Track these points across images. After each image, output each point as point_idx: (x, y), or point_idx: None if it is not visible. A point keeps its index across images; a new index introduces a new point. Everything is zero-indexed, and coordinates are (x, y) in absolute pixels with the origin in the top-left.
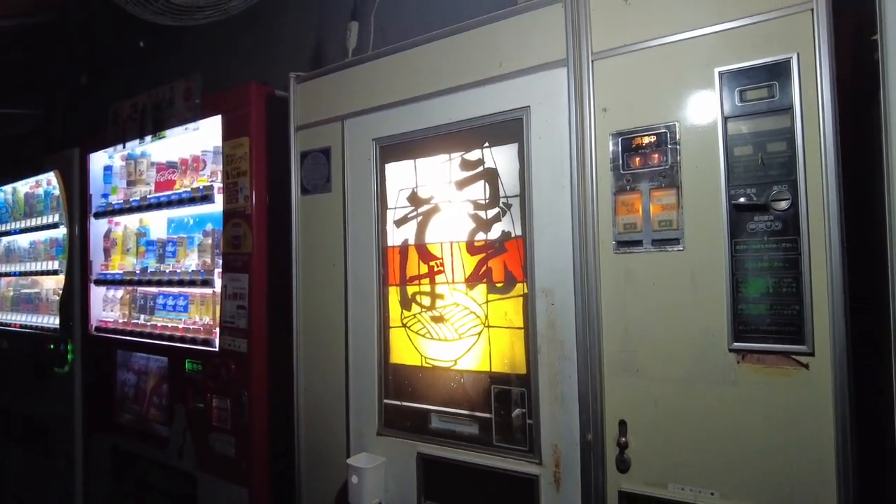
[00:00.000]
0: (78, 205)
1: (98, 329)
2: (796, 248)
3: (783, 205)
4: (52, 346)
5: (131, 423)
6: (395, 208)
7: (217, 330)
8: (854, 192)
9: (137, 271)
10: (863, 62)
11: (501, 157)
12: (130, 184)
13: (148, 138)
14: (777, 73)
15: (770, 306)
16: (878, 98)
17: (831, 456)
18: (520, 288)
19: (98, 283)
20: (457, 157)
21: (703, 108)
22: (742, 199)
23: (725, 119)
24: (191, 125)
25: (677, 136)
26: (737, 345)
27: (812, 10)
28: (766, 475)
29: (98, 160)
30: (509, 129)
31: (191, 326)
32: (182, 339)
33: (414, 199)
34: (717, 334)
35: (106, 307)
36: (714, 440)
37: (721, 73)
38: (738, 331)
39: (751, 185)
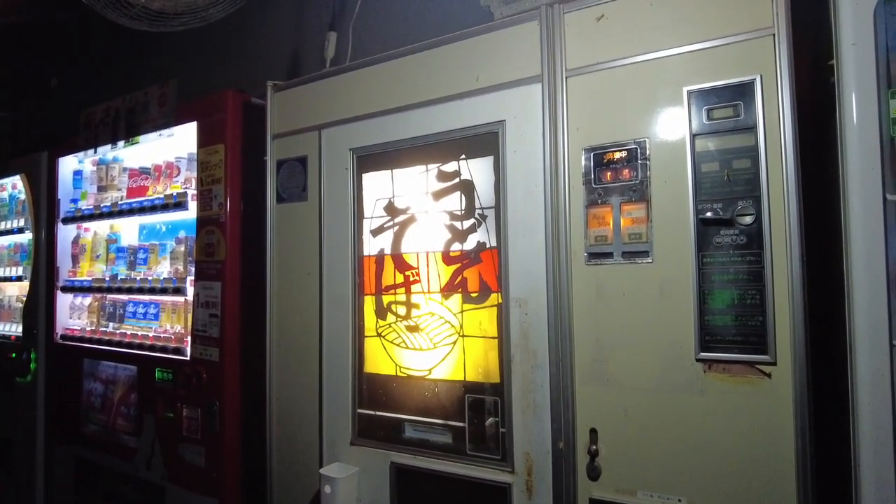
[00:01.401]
0: (45, 209)
1: (64, 337)
2: (760, 261)
3: (748, 219)
4: (13, 355)
5: (97, 434)
6: (372, 218)
7: (188, 338)
8: (815, 207)
9: (107, 278)
10: (821, 84)
11: (477, 170)
12: (101, 189)
13: (120, 143)
14: (742, 93)
15: (735, 317)
16: (836, 118)
17: (792, 461)
18: (494, 298)
19: (65, 289)
20: (433, 168)
21: (672, 126)
22: (709, 214)
23: (693, 136)
24: (165, 131)
25: (647, 152)
26: (703, 355)
27: (774, 35)
28: (733, 481)
29: (68, 164)
30: (485, 142)
31: (161, 335)
32: (152, 348)
33: (391, 209)
34: (684, 344)
35: (73, 315)
36: (682, 448)
37: (689, 92)
38: (705, 341)
39: (717, 200)
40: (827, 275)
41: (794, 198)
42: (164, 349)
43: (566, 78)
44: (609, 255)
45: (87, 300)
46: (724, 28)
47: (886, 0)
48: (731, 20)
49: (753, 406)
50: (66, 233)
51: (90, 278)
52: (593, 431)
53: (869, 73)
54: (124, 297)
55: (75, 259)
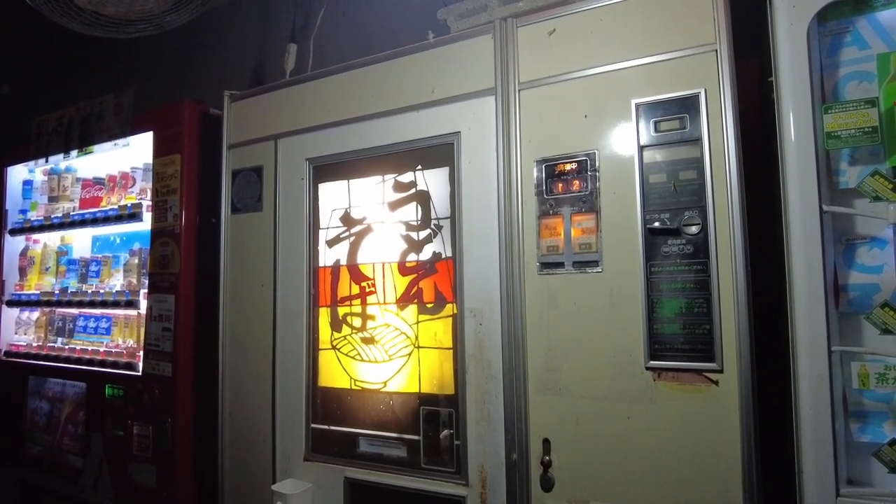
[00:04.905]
0: None
1: (8, 353)
2: (706, 270)
3: (694, 229)
4: None
5: (42, 455)
6: (328, 228)
7: (141, 353)
8: (762, 218)
9: (56, 291)
10: (766, 101)
11: (433, 180)
12: (52, 199)
13: (74, 153)
14: (687, 106)
15: (683, 326)
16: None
17: (738, 466)
18: (449, 308)
19: (11, 304)
20: (390, 178)
21: (621, 138)
22: (656, 224)
23: (641, 148)
24: (121, 141)
25: (597, 164)
26: (653, 363)
27: (716, 50)
28: (683, 489)
29: (17, 174)
30: (441, 153)
31: (113, 350)
32: (103, 363)
33: (347, 220)
34: (634, 353)
35: (19, 330)
36: (633, 456)
37: (637, 105)
38: (654, 349)
39: (664, 210)
40: (774, 283)
41: (737, 208)
42: (115, 364)
43: (519, 91)
44: (560, 264)
45: (35, 314)
46: (670, 43)
47: (819, 21)
48: (677, 36)
49: (702, 413)
50: (13, 244)
51: (38, 292)
52: (546, 442)
53: (804, 89)
54: (75, 310)
55: (23, 272)
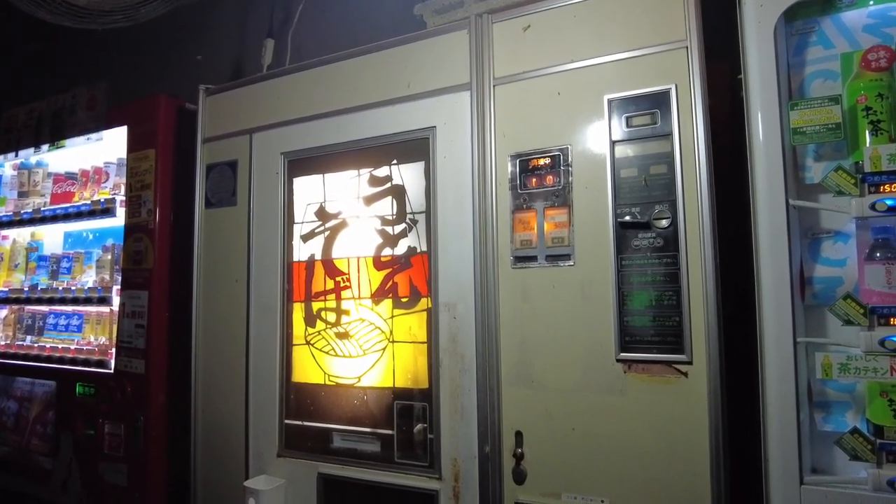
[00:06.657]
0: None
1: None
2: (676, 263)
3: (664, 223)
4: None
5: (8, 457)
6: (303, 223)
7: (113, 350)
8: (735, 212)
9: (26, 288)
10: (736, 98)
11: (409, 175)
12: (22, 195)
13: (45, 147)
14: (659, 102)
15: (653, 318)
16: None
17: (706, 458)
18: (424, 302)
19: None
20: (365, 173)
21: (594, 133)
22: (627, 218)
23: (613, 143)
24: (94, 135)
25: (570, 159)
26: (623, 355)
27: (687, 47)
28: (653, 480)
29: None
30: (417, 147)
31: (84, 347)
32: (73, 361)
33: (322, 214)
34: (605, 345)
35: None
36: (604, 448)
37: (610, 101)
38: (625, 342)
39: (635, 204)
40: (742, 276)
41: (706, 202)
42: (86, 362)
43: (494, 86)
44: (533, 258)
45: (3, 312)
46: (642, 40)
47: (786, 20)
48: (649, 32)
49: (671, 405)
50: None
51: (7, 289)
52: (518, 434)
53: (772, 86)
54: (45, 308)
55: None
